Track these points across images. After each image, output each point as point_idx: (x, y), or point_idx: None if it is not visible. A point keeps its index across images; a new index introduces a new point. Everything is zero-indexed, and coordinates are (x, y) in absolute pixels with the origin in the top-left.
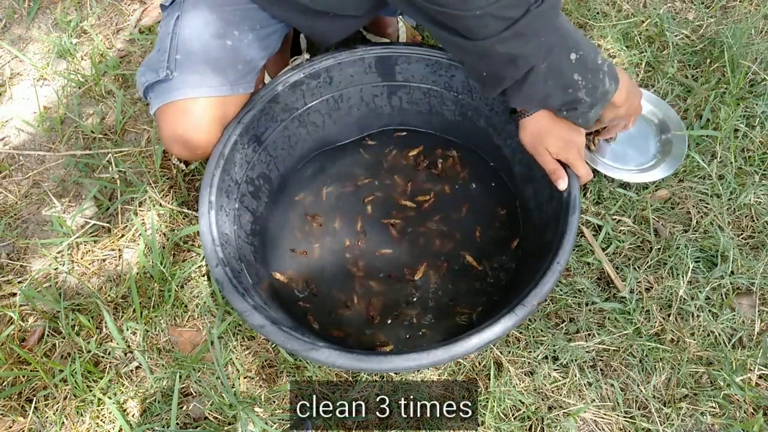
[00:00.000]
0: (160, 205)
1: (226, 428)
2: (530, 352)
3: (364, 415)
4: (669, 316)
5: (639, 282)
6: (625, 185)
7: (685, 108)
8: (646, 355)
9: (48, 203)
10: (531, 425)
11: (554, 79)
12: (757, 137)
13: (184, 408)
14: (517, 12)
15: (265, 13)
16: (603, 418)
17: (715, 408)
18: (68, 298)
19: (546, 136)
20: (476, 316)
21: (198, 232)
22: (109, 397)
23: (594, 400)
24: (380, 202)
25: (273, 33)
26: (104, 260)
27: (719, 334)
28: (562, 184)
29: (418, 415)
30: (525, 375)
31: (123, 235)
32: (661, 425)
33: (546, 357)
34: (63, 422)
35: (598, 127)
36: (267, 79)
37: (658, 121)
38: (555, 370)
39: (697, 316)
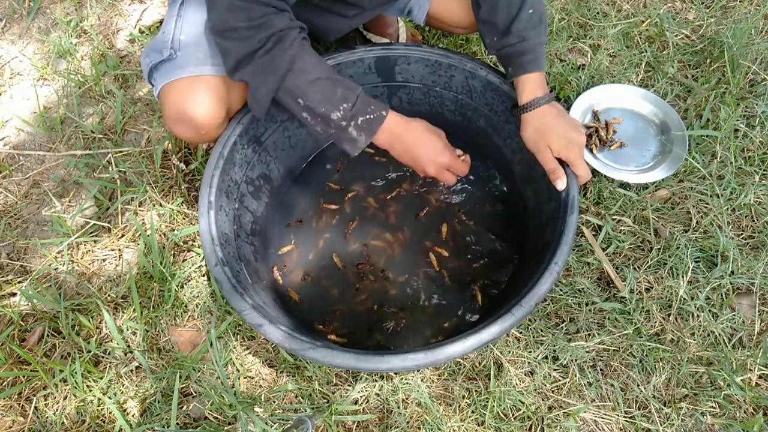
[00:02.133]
0: (160, 205)
1: (226, 428)
2: (530, 352)
3: (364, 415)
4: (669, 316)
5: (639, 282)
6: (625, 185)
7: (685, 108)
8: (646, 355)
9: (48, 203)
10: (531, 425)
11: (289, 107)
12: (757, 137)
13: (184, 408)
14: (238, 52)
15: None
16: (603, 418)
17: (715, 408)
18: (68, 298)
19: (548, 133)
20: (476, 316)
21: (198, 232)
22: (109, 397)
23: (594, 400)
24: (380, 202)
25: None
26: (104, 260)
27: (719, 334)
28: (561, 184)
29: (418, 415)
30: (525, 375)
31: (123, 235)
32: (661, 425)
33: (546, 357)
34: (63, 422)
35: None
36: None
37: (659, 121)
38: (555, 370)
39: (697, 316)
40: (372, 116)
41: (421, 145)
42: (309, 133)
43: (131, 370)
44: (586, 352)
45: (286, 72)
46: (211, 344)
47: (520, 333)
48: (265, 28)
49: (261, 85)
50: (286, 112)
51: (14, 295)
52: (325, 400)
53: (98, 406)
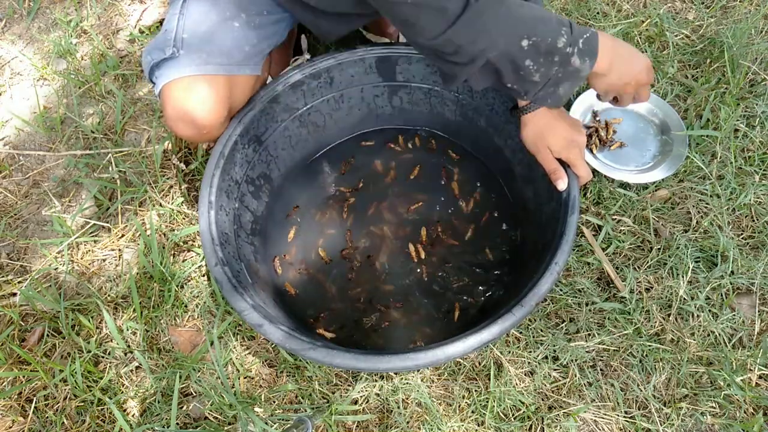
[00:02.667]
0: (160, 205)
1: (226, 428)
2: (530, 352)
3: (364, 415)
4: (669, 316)
5: (639, 282)
6: (625, 185)
7: (685, 108)
8: (646, 355)
9: (48, 203)
10: (531, 425)
11: (504, 64)
12: (757, 137)
13: (184, 408)
14: (454, 5)
15: (272, 0)
16: (603, 418)
17: (715, 408)
18: (68, 298)
19: (548, 134)
20: (475, 316)
21: (198, 232)
22: (109, 397)
23: (594, 400)
24: (380, 202)
25: (280, 21)
26: (104, 260)
27: (719, 334)
28: (562, 185)
29: (418, 415)
30: (525, 375)
31: (123, 235)
32: (661, 425)
33: (546, 357)
34: (63, 422)
35: (604, 100)
36: (268, 79)
37: (659, 121)
38: (555, 370)
39: (697, 316)
40: (587, 34)
41: (635, 54)
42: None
43: (131, 370)
44: (586, 352)
45: (505, 17)
46: (212, 344)
47: (520, 333)
48: None
49: (476, 41)
50: (505, 69)
51: (14, 295)
52: (325, 400)
53: (98, 406)
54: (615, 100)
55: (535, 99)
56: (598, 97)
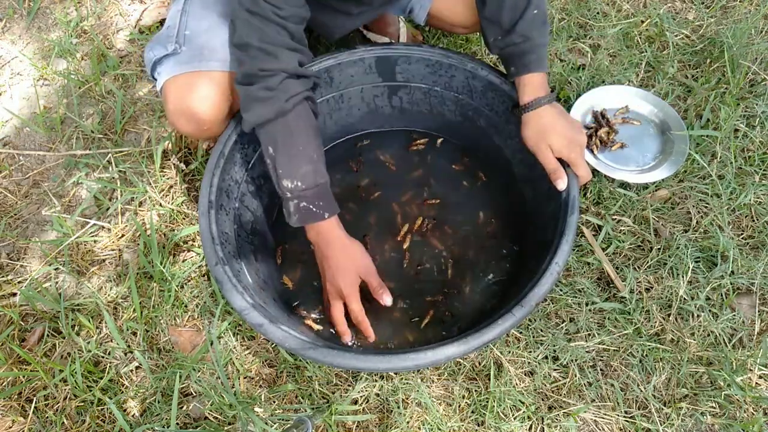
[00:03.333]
0: (160, 205)
1: (226, 428)
2: (530, 352)
3: (364, 415)
4: (669, 316)
5: (639, 282)
6: (625, 185)
7: (685, 108)
8: (646, 355)
9: (48, 203)
10: (531, 425)
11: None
12: (757, 137)
13: (184, 408)
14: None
15: None
16: (603, 418)
17: (715, 408)
18: (68, 298)
19: (549, 133)
20: (475, 316)
21: (198, 231)
22: (109, 397)
23: (594, 400)
24: (380, 202)
25: None
26: (104, 260)
27: (719, 334)
28: (562, 184)
29: (419, 415)
30: (525, 375)
31: (123, 235)
32: (661, 425)
33: (546, 357)
34: (63, 422)
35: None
36: None
37: (659, 121)
38: (555, 370)
39: (697, 316)
40: (315, 210)
41: (332, 261)
42: None
43: (131, 370)
44: (586, 352)
45: (275, 118)
46: (211, 344)
47: (520, 333)
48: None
49: (253, 110)
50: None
51: (14, 295)
52: (325, 400)
53: (98, 406)
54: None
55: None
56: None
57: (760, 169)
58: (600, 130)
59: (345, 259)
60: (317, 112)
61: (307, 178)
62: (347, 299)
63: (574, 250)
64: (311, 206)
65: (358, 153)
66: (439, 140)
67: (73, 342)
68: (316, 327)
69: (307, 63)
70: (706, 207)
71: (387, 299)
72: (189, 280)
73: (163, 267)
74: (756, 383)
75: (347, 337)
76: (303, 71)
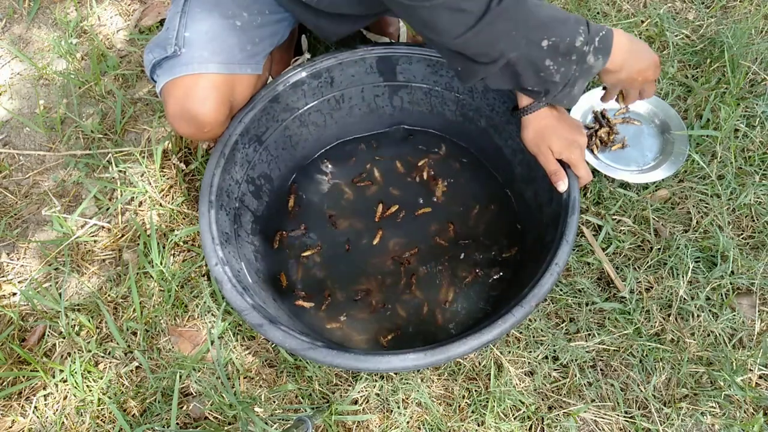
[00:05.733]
0: (160, 205)
1: (226, 428)
2: (530, 352)
3: (364, 415)
4: (669, 316)
5: (639, 282)
6: (625, 185)
7: (685, 108)
8: (646, 355)
9: (48, 203)
10: (531, 425)
11: (525, 66)
12: (757, 137)
13: (184, 408)
14: (475, 6)
15: (274, 0)
16: (603, 418)
17: (715, 408)
18: (68, 298)
19: (549, 134)
20: (475, 316)
21: (198, 231)
22: (109, 397)
23: (594, 400)
24: (380, 202)
25: (282, 20)
26: (104, 260)
27: (719, 334)
28: (562, 186)
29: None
30: (525, 375)
31: (123, 235)
32: (661, 425)
33: (546, 357)
34: (63, 422)
35: (608, 98)
36: (269, 79)
37: (659, 121)
38: (555, 370)
39: (697, 316)
40: (603, 32)
41: (646, 50)
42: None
43: (131, 370)
44: (586, 352)
45: (525, 19)
46: (212, 344)
47: (520, 333)
48: None
49: (496, 43)
50: (524, 70)
51: (14, 295)
52: (325, 400)
53: (98, 406)
54: (620, 97)
55: (553, 100)
56: (603, 97)
57: (760, 169)
58: (600, 131)
59: (648, 50)
60: None
61: (578, 18)
62: (658, 67)
63: (574, 250)
64: (601, 32)
65: (359, 153)
66: (439, 139)
67: (73, 342)
68: (308, 304)
69: None
70: (706, 207)
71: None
72: (189, 280)
73: (163, 267)
74: (756, 383)
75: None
76: None
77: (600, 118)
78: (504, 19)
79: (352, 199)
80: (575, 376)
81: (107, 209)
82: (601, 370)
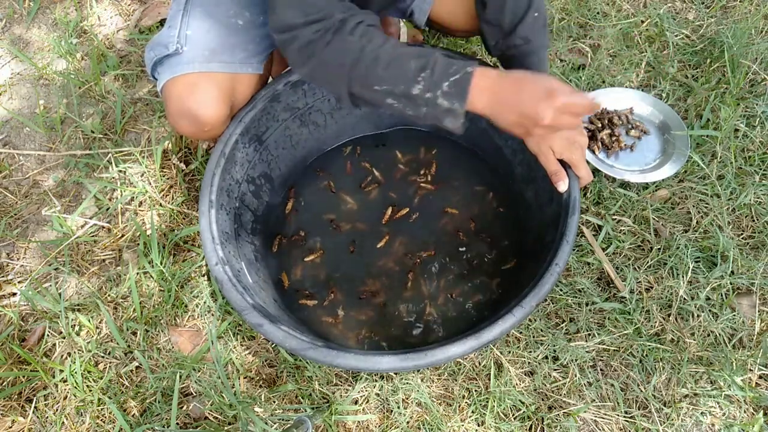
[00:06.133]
0: (160, 205)
1: (226, 428)
2: (530, 352)
3: (364, 415)
4: (669, 316)
5: (639, 282)
6: (625, 185)
7: (685, 108)
8: (646, 355)
9: (48, 203)
10: (531, 425)
11: (375, 104)
12: (757, 137)
13: (184, 408)
14: (300, 56)
15: None
16: (603, 418)
17: (715, 408)
18: (68, 298)
19: (550, 134)
20: (475, 316)
21: (198, 231)
22: (109, 397)
23: (594, 400)
24: (380, 202)
25: None
26: (104, 260)
27: (719, 334)
28: (563, 186)
29: (419, 415)
30: (525, 375)
31: (123, 235)
32: (661, 425)
33: (546, 357)
34: (63, 422)
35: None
36: (269, 79)
37: (659, 121)
38: (555, 370)
39: (697, 316)
40: (457, 76)
41: (523, 91)
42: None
43: (131, 370)
44: (586, 352)
45: (353, 62)
46: (212, 344)
47: (520, 333)
48: (322, 20)
49: (333, 81)
50: (372, 104)
51: (14, 295)
52: (325, 400)
53: (98, 406)
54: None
55: (429, 120)
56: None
57: (760, 169)
58: (602, 132)
59: (530, 77)
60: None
61: (423, 65)
62: (568, 103)
63: (574, 250)
64: (452, 78)
65: (359, 153)
66: (439, 140)
67: (73, 342)
68: (311, 302)
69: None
70: (706, 207)
71: (589, 96)
72: (189, 280)
73: (163, 267)
74: (756, 383)
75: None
76: (358, 10)
77: (603, 119)
78: (327, 64)
79: (351, 200)
80: (575, 376)
81: (107, 209)
82: (601, 370)
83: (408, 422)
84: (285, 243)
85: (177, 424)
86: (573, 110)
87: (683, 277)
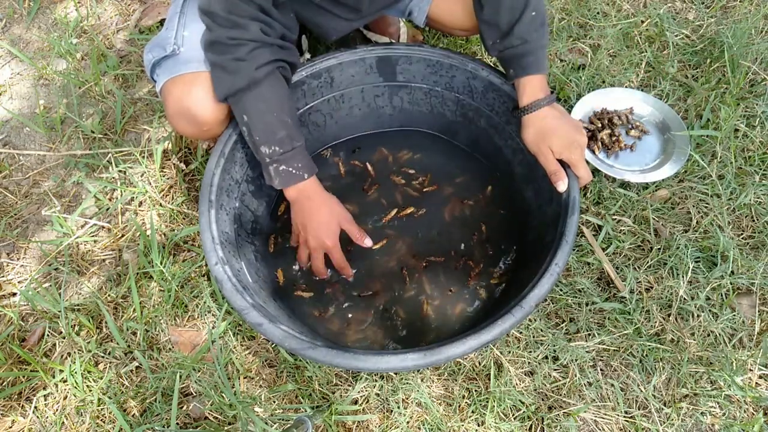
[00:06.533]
0: (160, 205)
1: (226, 428)
2: (530, 352)
3: (364, 415)
4: (669, 316)
5: (639, 282)
6: (625, 185)
7: (685, 108)
8: (646, 355)
9: (48, 203)
10: (531, 425)
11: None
12: (757, 137)
13: (184, 408)
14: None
15: None
16: (603, 418)
17: (715, 408)
18: (68, 298)
19: (549, 134)
20: (475, 316)
21: (198, 231)
22: (109, 397)
23: (594, 400)
24: (380, 202)
25: None
26: (104, 260)
27: (719, 334)
28: (562, 186)
29: (419, 415)
30: (525, 375)
31: (123, 235)
32: (661, 425)
33: (546, 357)
34: (63, 422)
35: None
36: None
37: (659, 122)
38: (555, 370)
39: (697, 316)
40: (294, 171)
41: (315, 217)
42: (309, 134)
43: (131, 370)
44: (586, 352)
45: (247, 88)
46: (212, 344)
47: (520, 333)
48: (239, 27)
49: (224, 80)
50: (233, 115)
51: (14, 295)
52: (325, 400)
53: (98, 406)
54: None
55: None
56: None
57: (760, 169)
58: (602, 132)
59: (327, 213)
60: (289, 77)
61: (284, 143)
62: (331, 249)
63: (574, 250)
64: (291, 168)
65: (359, 153)
66: (439, 140)
67: (73, 342)
68: (308, 294)
69: (272, 33)
70: (706, 207)
71: (368, 242)
72: (189, 280)
73: (163, 267)
74: (756, 383)
75: (326, 276)
76: (271, 40)
77: (603, 119)
78: (224, 68)
79: (351, 200)
80: (575, 376)
81: (107, 209)
82: (601, 370)
83: (408, 422)
84: (280, 243)
85: (177, 424)
86: (332, 259)
87: (683, 277)
